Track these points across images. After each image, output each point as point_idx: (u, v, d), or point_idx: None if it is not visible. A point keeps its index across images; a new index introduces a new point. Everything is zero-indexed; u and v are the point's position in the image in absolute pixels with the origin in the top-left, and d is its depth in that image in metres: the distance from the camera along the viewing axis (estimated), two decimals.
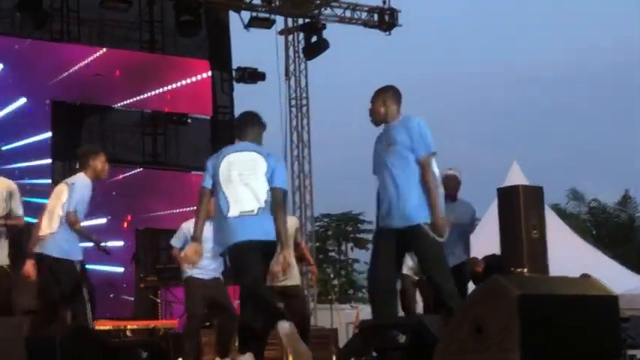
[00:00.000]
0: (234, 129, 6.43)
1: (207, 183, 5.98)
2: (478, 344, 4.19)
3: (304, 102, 16.36)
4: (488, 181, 16.89)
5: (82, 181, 7.20)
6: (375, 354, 4.70)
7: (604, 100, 56.96)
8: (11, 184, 7.70)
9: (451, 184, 8.31)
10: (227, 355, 8.42)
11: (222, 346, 8.36)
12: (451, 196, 8.21)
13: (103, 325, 10.98)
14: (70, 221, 7.01)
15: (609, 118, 56.88)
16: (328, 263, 25.77)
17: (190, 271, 8.15)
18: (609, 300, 4.34)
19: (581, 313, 4.20)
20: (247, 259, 5.66)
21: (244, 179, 5.83)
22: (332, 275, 22.11)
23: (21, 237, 13.10)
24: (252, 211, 5.73)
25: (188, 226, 8.43)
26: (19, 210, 7.60)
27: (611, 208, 27.01)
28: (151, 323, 11.92)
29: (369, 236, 29.59)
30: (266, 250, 5.68)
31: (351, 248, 28.46)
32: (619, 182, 34.48)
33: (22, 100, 14.01)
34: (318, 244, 16.38)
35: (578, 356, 4.12)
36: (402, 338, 4.68)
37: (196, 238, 6.00)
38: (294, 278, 8.41)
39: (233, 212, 5.75)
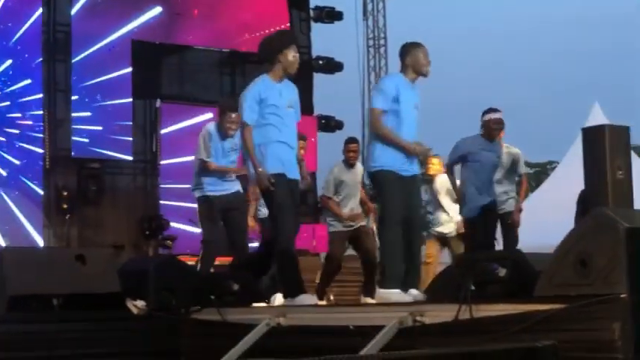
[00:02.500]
0: None
1: None
2: (583, 278, 4.15)
3: (382, 42, 16.25)
4: (569, 124, 16.64)
5: None
6: (473, 287, 4.67)
7: None
8: None
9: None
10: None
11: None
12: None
13: (187, 260, 11.13)
14: None
15: None
16: None
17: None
18: None
19: None
20: None
21: None
22: None
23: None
24: None
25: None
26: None
27: None
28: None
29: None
30: None
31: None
32: None
33: (105, 40, 14.13)
34: None
35: None
36: (502, 271, 4.65)
37: None
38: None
39: None
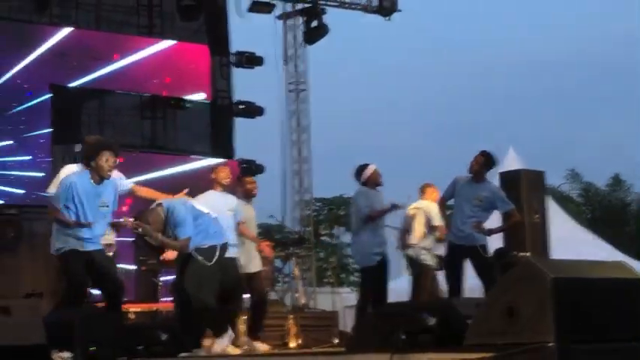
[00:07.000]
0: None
1: None
2: (511, 327, 4.26)
3: (303, 87, 16.42)
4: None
5: None
6: (403, 336, 4.75)
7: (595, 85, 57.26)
8: None
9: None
10: None
11: None
12: None
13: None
14: None
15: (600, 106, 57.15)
16: (320, 247, 25.81)
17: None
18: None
19: (613, 296, 4.28)
20: None
21: None
22: (332, 259, 22.23)
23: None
24: None
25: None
26: None
27: (603, 190, 27.19)
28: (153, 306, 11.96)
29: None
30: None
31: (343, 232, 28.53)
32: (609, 167, 34.73)
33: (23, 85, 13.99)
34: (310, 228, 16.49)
35: (612, 339, 4.20)
36: (432, 321, 4.75)
37: None
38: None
39: None
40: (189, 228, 7.37)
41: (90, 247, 7.14)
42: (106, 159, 7.05)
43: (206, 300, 7.38)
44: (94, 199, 7.11)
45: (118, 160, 7.26)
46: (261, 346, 8.55)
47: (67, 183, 7.11)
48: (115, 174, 7.87)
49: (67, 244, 7.11)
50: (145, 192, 7.79)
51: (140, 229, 7.31)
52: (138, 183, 8.02)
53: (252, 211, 9.02)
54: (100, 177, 7.10)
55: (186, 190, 7.89)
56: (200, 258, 7.43)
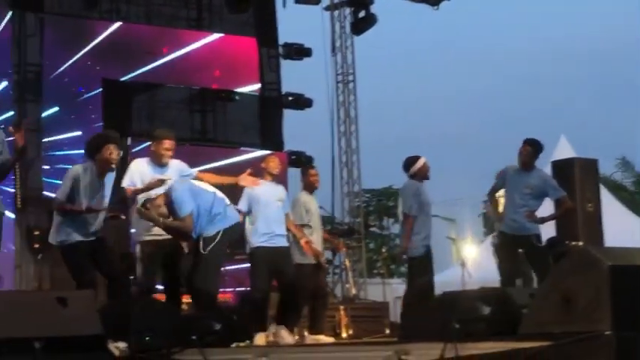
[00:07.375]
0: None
1: None
2: (567, 315, 4.23)
3: (351, 78, 16.38)
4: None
5: None
6: (457, 325, 4.73)
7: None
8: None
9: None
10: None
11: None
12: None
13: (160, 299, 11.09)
14: None
15: None
16: (370, 238, 25.79)
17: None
18: None
19: None
20: None
21: None
22: (383, 250, 22.24)
23: None
24: None
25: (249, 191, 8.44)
26: None
27: None
28: None
29: None
30: None
31: (392, 223, 28.45)
32: None
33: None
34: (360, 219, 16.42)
35: None
36: (486, 310, 4.72)
37: None
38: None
39: None
40: (188, 205, 7.35)
41: (91, 238, 7.26)
42: (110, 152, 7.14)
43: (211, 290, 7.47)
44: (96, 191, 7.21)
45: (121, 153, 7.36)
46: (324, 339, 8.53)
47: (71, 176, 7.19)
48: (179, 164, 7.96)
49: (70, 236, 7.20)
50: (210, 177, 7.87)
51: (140, 216, 7.41)
52: None
53: (315, 203, 9.03)
54: (103, 170, 7.19)
55: (249, 171, 7.94)
56: (202, 249, 7.43)
